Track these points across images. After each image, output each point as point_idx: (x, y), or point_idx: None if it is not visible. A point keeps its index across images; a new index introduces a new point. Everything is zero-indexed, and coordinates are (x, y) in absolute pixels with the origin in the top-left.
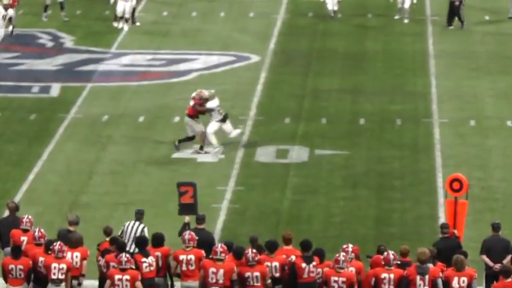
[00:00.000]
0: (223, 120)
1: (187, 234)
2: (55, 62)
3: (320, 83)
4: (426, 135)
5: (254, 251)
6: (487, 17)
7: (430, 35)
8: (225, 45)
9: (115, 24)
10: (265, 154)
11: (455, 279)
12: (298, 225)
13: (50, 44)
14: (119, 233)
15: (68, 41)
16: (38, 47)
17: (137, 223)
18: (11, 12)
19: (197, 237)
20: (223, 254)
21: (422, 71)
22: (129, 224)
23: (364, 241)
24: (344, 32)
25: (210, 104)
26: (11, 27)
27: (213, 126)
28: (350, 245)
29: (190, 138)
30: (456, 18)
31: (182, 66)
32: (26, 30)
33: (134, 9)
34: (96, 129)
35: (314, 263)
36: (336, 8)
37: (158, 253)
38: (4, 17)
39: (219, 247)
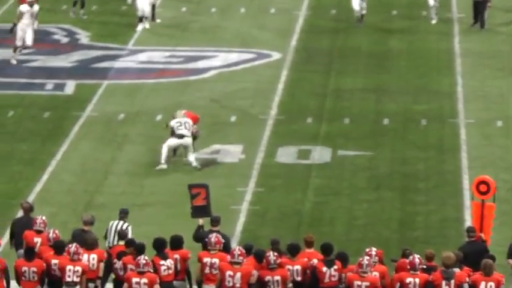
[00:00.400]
0: (179, 137)
1: (214, 237)
2: (70, 58)
3: (343, 82)
4: (452, 136)
5: (276, 254)
6: None
7: (456, 33)
8: (245, 42)
9: (139, 27)
10: (286, 154)
11: (483, 284)
12: (320, 228)
13: (65, 40)
14: (104, 233)
15: (83, 37)
16: (52, 43)
17: (121, 222)
18: (36, 8)
19: (223, 241)
20: (241, 257)
21: (448, 70)
22: (113, 223)
23: (388, 244)
24: (367, 30)
25: (171, 122)
26: (36, 23)
27: (169, 141)
28: (374, 249)
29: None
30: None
31: (200, 64)
32: (40, 26)
33: (154, 6)
34: (112, 128)
35: (336, 267)
36: (364, 11)
37: (177, 256)
38: (32, 15)
39: (237, 250)
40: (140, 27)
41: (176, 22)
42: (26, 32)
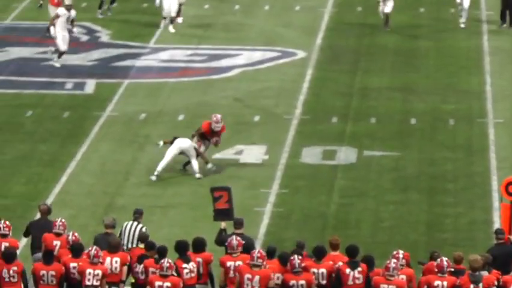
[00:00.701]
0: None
1: (234, 240)
2: (90, 57)
3: (369, 81)
4: (481, 136)
5: (301, 257)
6: None
7: (485, 31)
8: (269, 40)
9: (162, 25)
10: (311, 155)
11: None
12: (346, 230)
13: (84, 38)
14: (118, 235)
15: (103, 35)
16: (72, 41)
17: (135, 223)
18: (73, 13)
19: (243, 242)
20: (260, 260)
21: (477, 69)
22: (127, 224)
23: (415, 247)
24: (394, 28)
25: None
26: (74, 29)
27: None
28: (401, 251)
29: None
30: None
31: (224, 62)
32: None
33: (180, 5)
34: (133, 128)
35: (360, 269)
36: (389, 10)
37: (199, 259)
38: (68, 19)
39: (257, 252)
40: (165, 26)
41: (199, 20)
42: (63, 36)
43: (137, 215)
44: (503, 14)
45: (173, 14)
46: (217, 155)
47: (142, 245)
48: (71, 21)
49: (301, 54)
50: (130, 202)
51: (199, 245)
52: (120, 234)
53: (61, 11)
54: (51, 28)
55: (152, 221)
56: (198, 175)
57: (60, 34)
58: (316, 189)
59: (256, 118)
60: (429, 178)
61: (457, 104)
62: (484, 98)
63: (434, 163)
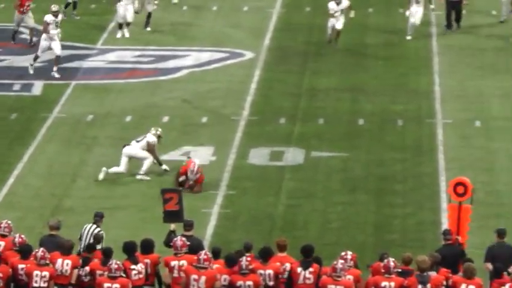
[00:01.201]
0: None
1: (179, 241)
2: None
3: (317, 82)
4: (430, 137)
5: (249, 258)
6: (493, 12)
7: (434, 31)
8: (218, 41)
9: (118, 35)
10: (258, 156)
11: (463, 286)
12: (294, 232)
13: (32, 40)
14: (79, 237)
15: None
16: (20, 42)
17: (94, 226)
18: (60, 18)
19: (188, 243)
20: (206, 262)
21: (426, 69)
22: (87, 227)
23: (363, 248)
24: (343, 28)
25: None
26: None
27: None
28: (349, 252)
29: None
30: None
31: (171, 63)
32: (7, 25)
33: (149, 13)
34: (80, 130)
35: (311, 270)
36: (340, 26)
37: (147, 260)
38: (57, 25)
39: (202, 254)
40: (119, 34)
41: (142, 18)
42: (52, 42)
43: (97, 218)
44: (449, 17)
45: (129, 20)
46: (165, 157)
47: (98, 246)
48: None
49: (249, 55)
50: (78, 204)
51: (147, 246)
52: (81, 236)
53: (49, 17)
54: (44, 35)
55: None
56: (138, 176)
57: (49, 42)
58: (263, 191)
59: (204, 119)
60: (378, 179)
61: (406, 105)
62: (433, 98)
63: (383, 164)
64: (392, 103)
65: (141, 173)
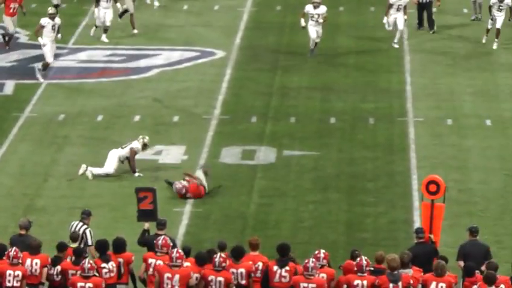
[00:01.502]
0: None
1: (162, 240)
2: (9, 58)
3: (288, 81)
4: (401, 135)
5: (223, 256)
6: (465, 10)
7: (405, 30)
8: (189, 40)
9: (92, 33)
10: (230, 155)
11: (433, 284)
12: (266, 231)
13: (2, 39)
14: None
15: (22, 36)
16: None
17: (80, 224)
18: (57, 20)
19: (171, 244)
20: (178, 260)
21: (397, 68)
22: (73, 224)
23: (335, 247)
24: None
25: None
26: (59, 35)
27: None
28: (322, 251)
29: None
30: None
31: (142, 63)
32: None
33: (132, 15)
34: (52, 129)
35: (287, 268)
36: (318, 39)
37: (120, 259)
38: (53, 28)
39: (175, 252)
40: (92, 33)
41: (117, 20)
42: (44, 47)
43: (84, 216)
44: (420, 16)
45: (107, 24)
46: (136, 156)
47: (74, 245)
48: (58, 29)
49: (220, 53)
50: (50, 203)
51: (119, 245)
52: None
53: (44, 20)
54: (39, 39)
55: (71, 222)
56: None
57: (47, 45)
58: (235, 190)
59: (176, 118)
60: (349, 178)
61: (377, 103)
62: (404, 97)
63: (354, 162)
64: (363, 101)
65: (94, 171)
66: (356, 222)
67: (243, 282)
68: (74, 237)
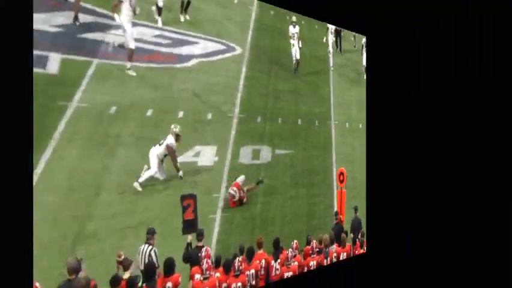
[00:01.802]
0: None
1: (204, 251)
2: (55, 20)
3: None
4: (328, 136)
5: (241, 260)
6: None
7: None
8: (219, 32)
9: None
10: (245, 155)
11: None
12: (267, 228)
13: None
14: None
15: None
16: None
17: (146, 246)
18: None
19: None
20: (207, 272)
21: (326, 81)
22: (141, 248)
23: (301, 236)
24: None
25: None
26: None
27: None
28: (295, 241)
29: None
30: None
31: (184, 50)
32: None
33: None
34: (103, 126)
35: (279, 261)
36: (298, 56)
37: (169, 283)
38: (131, 3)
39: (204, 263)
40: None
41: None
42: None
43: (149, 236)
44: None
45: (160, 3)
46: (178, 159)
47: (126, 275)
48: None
49: (238, 50)
50: (101, 226)
51: (170, 267)
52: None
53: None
54: (116, 16)
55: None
56: (135, 183)
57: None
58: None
59: (209, 116)
60: (308, 174)
61: (320, 108)
62: (330, 104)
63: (308, 160)
64: (313, 107)
65: (139, 181)
66: (310, 212)
67: (253, 282)
68: (127, 264)
